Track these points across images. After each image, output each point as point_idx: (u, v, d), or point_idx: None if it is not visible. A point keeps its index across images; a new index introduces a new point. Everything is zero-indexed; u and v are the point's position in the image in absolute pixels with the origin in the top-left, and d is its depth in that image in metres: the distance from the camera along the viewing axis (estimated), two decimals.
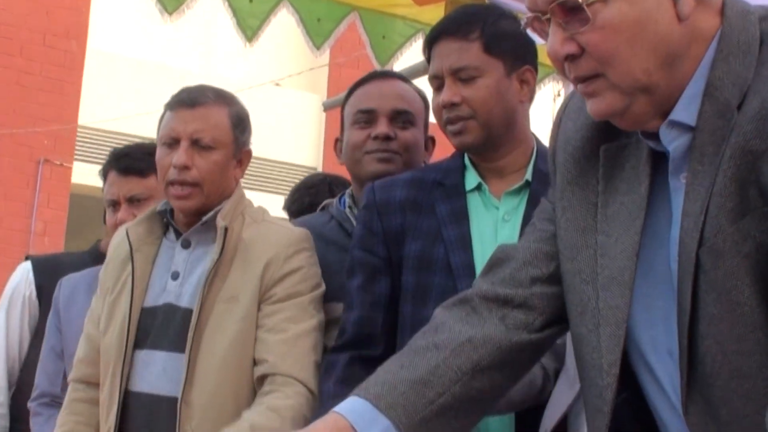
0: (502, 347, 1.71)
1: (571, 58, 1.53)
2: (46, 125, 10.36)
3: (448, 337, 1.70)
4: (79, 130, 10.72)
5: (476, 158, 2.59)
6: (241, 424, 2.51)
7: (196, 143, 2.78)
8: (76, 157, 10.73)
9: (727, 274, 1.47)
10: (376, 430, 1.61)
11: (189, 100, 2.83)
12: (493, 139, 2.52)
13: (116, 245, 2.94)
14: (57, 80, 10.54)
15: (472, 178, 2.58)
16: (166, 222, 2.89)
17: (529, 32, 1.63)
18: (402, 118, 2.89)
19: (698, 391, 1.52)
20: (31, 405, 3.55)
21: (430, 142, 3.02)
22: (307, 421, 2.44)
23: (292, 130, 10.84)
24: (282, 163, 10.57)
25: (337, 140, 3.04)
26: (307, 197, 3.86)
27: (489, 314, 1.74)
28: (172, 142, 2.79)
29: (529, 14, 1.57)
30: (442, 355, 1.68)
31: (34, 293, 3.71)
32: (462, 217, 2.52)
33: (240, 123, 2.86)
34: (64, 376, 3.48)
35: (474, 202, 2.55)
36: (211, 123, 2.80)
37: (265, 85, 10.30)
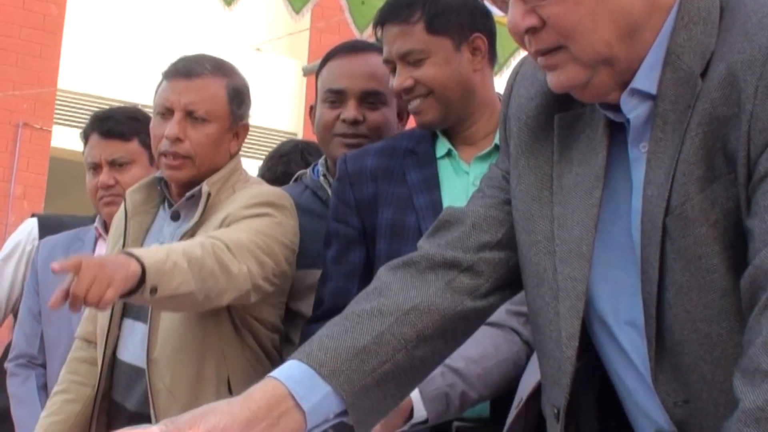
0: (447, 316, 1.69)
1: (532, 31, 1.52)
2: (25, 89, 10.30)
3: (393, 303, 1.67)
4: (58, 93, 10.66)
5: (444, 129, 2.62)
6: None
7: (189, 115, 2.75)
8: (55, 121, 10.67)
9: (696, 241, 1.47)
10: (315, 398, 1.57)
11: (185, 70, 2.78)
12: (453, 113, 2.55)
13: (120, 209, 2.93)
14: (36, 44, 10.46)
15: (442, 146, 2.60)
16: (161, 191, 2.87)
17: (488, 5, 1.62)
18: (372, 98, 2.87)
19: (667, 359, 1.53)
20: (7, 365, 3.56)
21: (405, 112, 3.00)
22: (219, 256, 2.44)
23: (272, 95, 10.80)
24: (262, 128, 10.54)
25: (311, 108, 3.04)
26: (280, 165, 3.85)
27: (435, 278, 1.71)
28: (166, 113, 2.76)
29: None
30: (387, 322, 1.65)
31: (35, 250, 3.69)
32: (433, 185, 2.54)
33: (238, 96, 2.82)
34: (42, 338, 3.50)
35: (445, 168, 2.58)
36: (207, 95, 2.77)
37: (245, 50, 10.27)
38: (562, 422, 1.64)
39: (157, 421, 2.62)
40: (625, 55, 1.51)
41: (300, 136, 10.30)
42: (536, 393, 2.05)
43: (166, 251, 2.36)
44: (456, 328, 1.73)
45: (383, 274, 1.75)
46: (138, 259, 2.24)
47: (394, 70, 2.61)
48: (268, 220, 2.67)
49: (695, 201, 1.46)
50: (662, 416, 1.56)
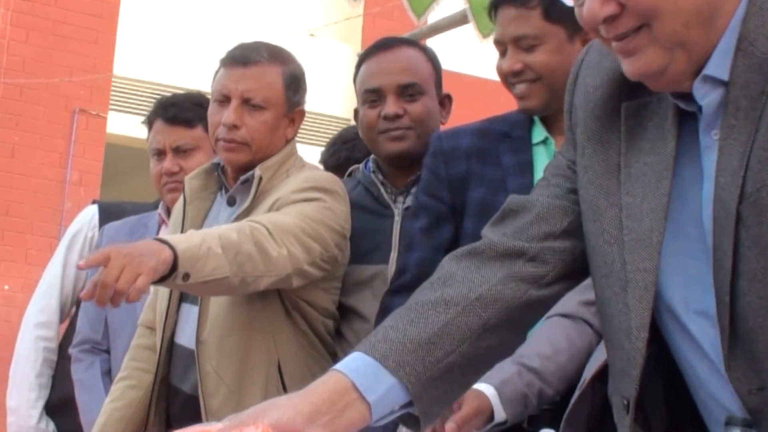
0: (511, 305, 1.68)
1: (610, 19, 1.51)
2: (81, 75, 10.39)
3: (458, 294, 1.66)
4: (114, 79, 10.74)
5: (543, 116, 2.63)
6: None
7: (246, 102, 2.78)
8: (111, 107, 10.77)
9: None
10: (380, 390, 1.56)
11: (242, 57, 2.82)
12: (557, 101, 2.55)
13: (181, 197, 2.96)
14: (92, 30, 10.55)
15: (539, 132, 2.62)
16: (218, 177, 2.89)
17: None
18: (409, 90, 2.90)
19: (740, 347, 1.51)
20: (72, 351, 3.60)
21: (447, 100, 3.03)
22: (258, 239, 2.45)
23: (325, 80, 10.81)
24: (315, 114, 10.55)
25: (356, 111, 3.06)
26: (344, 151, 3.86)
27: (500, 268, 1.70)
28: (224, 100, 2.80)
29: None
30: (452, 313, 1.64)
31: (96, 236, 3.72)
32: (527, 170, 2.56)
33: (294, 82, 2.85)
34: (106, 323, 3.54)
35: (539, 155, 2.59)
36: (263, 83, 2.80)
37: (299, 35, 10.29)
38: (632, 414, 1.63)
39: (205, 402, 2.67)
40: (701, 40, 1.50)
41: (353, 122, 10.31)
42: (600, 374, 2.05)
43: (201, 236, 2.38)
44: (521, 318, 1.72)
45: (447, 263, 1.75)
46: (170, 246, 2.26)
47: (503, 53, 2.63)
48: (318, 204, 2.68)
49: None
50: (736, 404, 1.54)
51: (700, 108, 1.55)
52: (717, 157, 1.51)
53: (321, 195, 2.70)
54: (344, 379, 1.55)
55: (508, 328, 1.70)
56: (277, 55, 2.85)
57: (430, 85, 2.95)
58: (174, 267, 2.26)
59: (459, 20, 4.94)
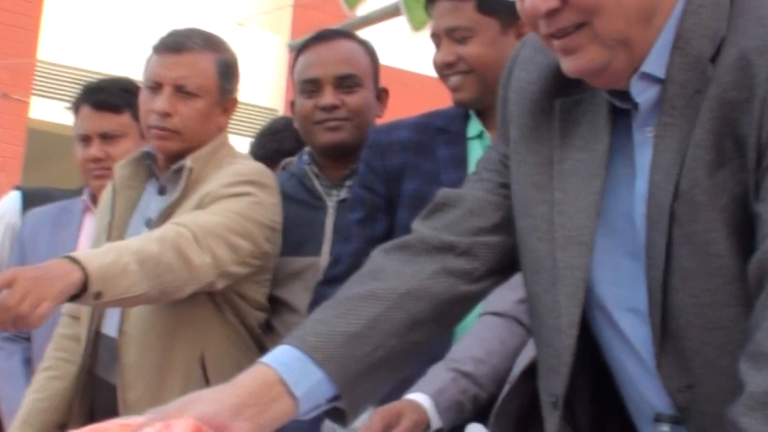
0: (441, 300, 1.67)
1: (551, 13, 1.50)
2: (4, 59, 10.23)
3: (387, 288, 1.65)
4: (38, 64, 10.59)
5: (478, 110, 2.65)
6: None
7: (179, 90, 2.75)
8: (34, 92, 10.61)
9: (705, 227, 1.47)
10: (308, 383, 1.54)
11: (175, 44, 2.78)
12: (490, 94, 2.56)
13: (109, 185, 2.92)
14: (16, 14, 10.38)
15: (474, 126, 2.64)
16: (149, 166, 2.86)
17: None
18: (347, 82, 2.91)
19: (671, 345, 1.53)
20: None
21: (383, 93, 3.04)
22: (181, 248, 2.43)
23: (254, 71, 10.77)
24: (243, 104, 10.47)
25: (292, 103, 3.06)
26: (273, 143, 3.84)
27: (430, 262, 1.69)
28: (156, 87, 2.76)
29: None
30: (381, 307, 1.62)
31: (19, 223, 3.66)
32: (461, 163, 2.57)
33: (227, 70, 2.83)
34: None
35: (474, 149, 2.61)
36: (197, 70, 2.77)
37: (227, 25, 10.22)
38: (560, 411, 1.64)
39: (123, 395, 2.65)
40: (641, 38, 1.51)
41: (280, 113, 10.27)
42: (530, 369, 2.06)
43: (117, 252, 2.34)
44: (450, 312, 1.72)
45: (377, 256, 1.74)
46: (82, 265, 2.22)
47: (439, 46, 2.64)
48: (248, 199, 2.66)
49: (704, 186, 1.46)
50: (665, 401, 1.56)
51: (634, 105, 1.56)
52: (652, 155, 1.52)
53: (251, 189, 2.68)
54: (271, 372, 1.53)
55: (437, 322, 1.70)
56: (210, 43, 2.83)
57: (367, 77, 2.95)
58: (85, 286, 2.22)
59: (391, 12, 4.95)
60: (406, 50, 8.17)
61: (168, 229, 2.49)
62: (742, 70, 1.44)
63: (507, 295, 2.13)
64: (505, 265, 1.75)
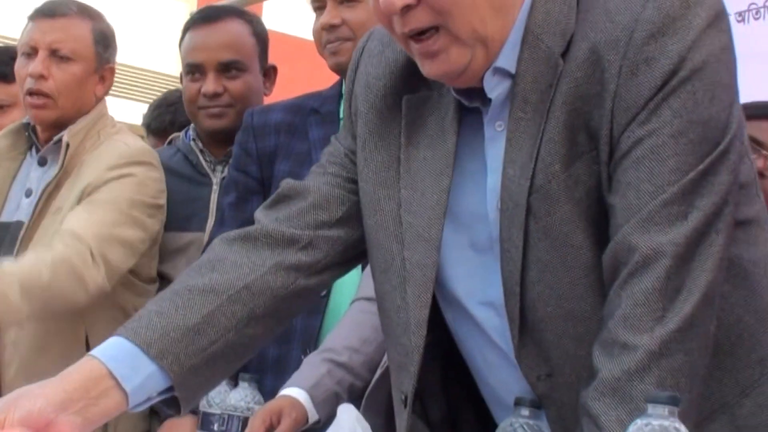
0: (279, 295, 1.68)
1: (405, 9, 1.48)
2: None
3: (226, 281, 1.65)
4: None
5: None
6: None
7: (54, 53, 2.75)
8: None
9: (561, 219, 1.49)
10: (139, 377, 1.54)
11: (50, 10, 2.79)
12: None
13: None
14: None
15: None
16: (29, 137, 2.85)
17: None
18: (231, 67, 2.91)
19: (529, 336, 1.55)
20: None
21: (272, 71, 3.04)
22: (77, 271, 2.48)
23: (158, 37, 10.64)
24: (147, 71, 10.38)
25: (182, 77, 3.05)
26: (168, 114, 3.82)
27: (270, 255, 1.69)
28: (31, 52, 2.77)
29: None
30: (218, 300, 1.63)
31: None
32: None
33: (103, 39, 2.83)
34: None
35: None
36: (71, 34, 2.77)
37: None
38: (409, 408, 1.65)
39: (1, 372, 2.64)
40: (497, 34, 1.52)
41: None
42: None
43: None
44: (288, 307, 1.73)
45: (218, 245, 1.73)
46: None
47: (319, 10, 2.64)
48: (130, 180, 2.69)
49: (560, 179, 1.49)
50: (524, 389, 1.58)
51: (484, 102, 1.57)
52: (505, 149, 1.53)
53: (132, 169, 2.70)
54: (100, 366, 1.53)
55: (275, 317, 1.71)
56: (86, 11, 2.85)
57: (252, 60, 2.95)
58: None
59: None
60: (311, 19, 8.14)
61: (64, 248, 2.50)
62: (593, 65, 1.47)
63: None
64: (347, 259, 1.77)
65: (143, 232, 2.68)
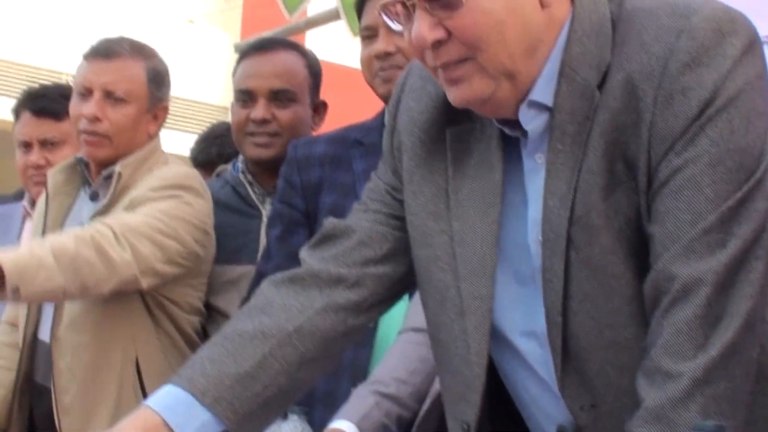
0: (329, 336, 1.71)
1: (436, 44, 1.52)
2: None
3: (276, 325, 1.68)
4: None
5: None
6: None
7: (108, 95, 2.78)
8: None
9: (602, 249, 1.51)
10: (194, 425, 1.58)
11: (104, 50, 2.82)
12: None
13: (44, 190, 2.94)
14: None
15: None
16: (82, 172, 2.88)
17: (387, 21, 1.58)
18: (281, 96, 2.93)
19: (572, 366, 1.56)
20: None
21: (322, 106, 3.06)
22: (98, 244, 2.47)
23: (203, 68, 10.74)
24: (192, 101, 10.47)
25: (233, 105, 3.08)
26: (214, 147, 3.86)
27: (318, 296, 1.71)
28: (86, 92, 2.80)
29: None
30: (269, 345, 1.66)
31: None
32: None
33: (156, 77, 2.86)
34: None
35: None
36: (125, 76, 2.80)
37: (177, 22, 10.19)
38: None
39: (56, 398, 2.67)
40: (525, 69, 1.54)
41: (230, 111, 10.25)
42: None
43: (31, 248, 2.40)
44: (337, 346, 1.75)
45: (267, 289, 1.76)
46: None
47: (369, 38, 2.65)
48: (176, 201, 2.70)
49: (599, 210, 1.51)
50: (567, 419, 1.60)
51: (524, 133, 1.59)
52: (545, 181, 1.56)
53: (179, 192, 2.72)
54: (154, 416, 1.58)
55: (325, 357, 1.74)
56: (139, 50, 2.87)
57: (303, 91, 2.97)
58: (2, 282, 2.27)
59: (334, 15, 4.99)
60: (356, 48, 8.20)
61: (85, 229, 2.53)
62: (628, 95, 1.49)
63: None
64: (393, 295, 1.80)
65: (182, 246, 2.68)
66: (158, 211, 2.64)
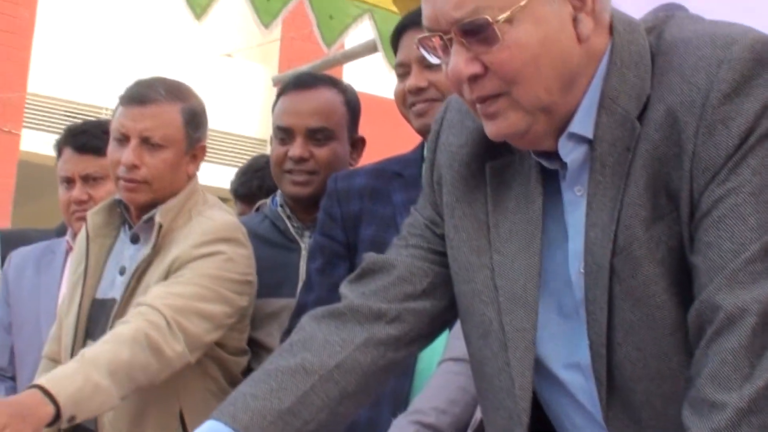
0: (369, 371, 1.72)
1: (473, 78, 1.54)
2: None
3: (317, 361, 1.69)
4: (27, 97, 10.65)
5: None
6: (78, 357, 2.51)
7: (145, 141, 2.77)
8: (24, 124, 10.66)
9: (645, 280, 1.51)
10: None
11: (139, 96, 2.81)
12: None
13: (83, 230, 2.95)
14: (6, 47, 10.44)
15: None
16: (121, 214, 2.89)
17: (425, 53, 1.59)
18: (318, 135, 2.94)
19: (617, 397, 1.56)
20: None
21: (360, 142, 3.07)
22: (153, 342, 2.49)
23: (242, 101, 10.82)
24: (231, 135, 10.55)
25: (271, 139, 3.10)
26: (255, 180, 3.88)
27: (359, 331, 1.72)
28: (123, 139, 2.79)
29: (428, 33, 1.57)
30: (311, 380, 1.67)
31: (7, 262, 3.67)
32: None
33: (193, 119, 2.85)
34: (12, 350, 3.52)
35: None
36: (162, 121, 2.79)
37: (215, 56, 10.29)
38: None
39: None
40: (562, 102, 1.55)
41: (268, 143, 10.33)
42: None
43: (85, 372, 2.39)
44: (378, 380, 1.76)
45: (307, 324, 1.77)
46: (53, 397, 2.29)
47: (403, 75, 2.68)
48: (218, 258, 2.69)
49: (642, 241, 1.51)
50: None
51: (562, 165, 1.60)
52: (586, 212, 1.56)
53: (221, 247, 2.72)
54: None
55: (365, 392, 1.74)
56: (175, 92, 2.85)
57: (341, 129, 2.98)
58: (58, 415, 2.30)
59: (372, 48, 5.00)
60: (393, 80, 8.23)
61: (140, 321, 2.53)
62: (670, 126, 1.50)
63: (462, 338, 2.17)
64: (433, 330, 1.80)
65: (229, 307, 2.69)
66: (202, 276, 2.65)
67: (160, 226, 2.74)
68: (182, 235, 2.75)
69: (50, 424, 2.31)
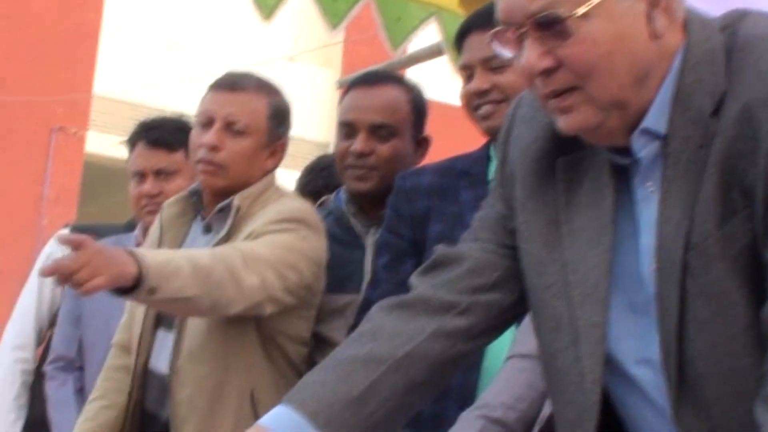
0: (438, 362, 1.72)
1: (546, 72, 1.55)
2: (61, 94, 10.42)
3: (386, 351, 1.70)
4: (94, 99, 10.79)
5: None
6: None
7: (229, 126, 2.80)
8: (90, 126, 10.80)
9: (718, 277, 1.51)
10: None
11: (230, 83, 2.86)
12: None
13: (156, 221, 2.99)
14: (73, 49, 10.59)
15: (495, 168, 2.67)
16: (195, 204, 2.92)
17: (497, 48, 1.60)
18: (381, 131, 2.94)
19: (688, 394, 1.56)
20: (46, 368, 3.63)
21: (424, 141, 3.07)
22: (231, 266, 2.49)
23: (305, 105, 10.87)
24: (293, 138, 10.55)
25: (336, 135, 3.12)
26: (320, 179, 3.89)
27: (428, 322, 1.73)
28: (207, 122, 2.82)
29: (501, 26, 1.58)
30: (380, 370, 1.68)
31: None
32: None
33: (278, 115, 2.88)
34: (81, 340, 3.58)
35: None
36: (247, 109, 2.83)
37: (278, 60, 10.34)
38: None
39: (176, 430, 2.70)
40: (635, 98, 1.55)
41: (331, 147, 10.36)
42: None
43: (171, 255, 2.44)
44: (446, 372, 1.76)
45: (377, 314, 1.78)
46: (138, 260, 2.31)
47: (469, 78, 2.68)
48: (293, 234, 2.71)
49: (716, 237, 1.50)
50: None
51: (634, 160, 1.60)
52: (659, 208, 1.56)
53: (296, 226, 2.73)
54: None
55: (433, 383, 1.75)
56: (264, 86, 2.90)
57: (405, 126, 2.98)
58: (139, 282, 2.31)
59: (436, 52, 5.00)
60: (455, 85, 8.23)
61: (218, 249, 2.57)
62: (745, 123, 1.49)
63: (530, 334, 2.18)
64: (501, 323, 1.81)
65: (299, 277, 2.70)
66: (277, 243, 2.67)
67: (238, 210, 2.77)
68: (257, 218, 2.78)
69: (130, 291, 2.32)
